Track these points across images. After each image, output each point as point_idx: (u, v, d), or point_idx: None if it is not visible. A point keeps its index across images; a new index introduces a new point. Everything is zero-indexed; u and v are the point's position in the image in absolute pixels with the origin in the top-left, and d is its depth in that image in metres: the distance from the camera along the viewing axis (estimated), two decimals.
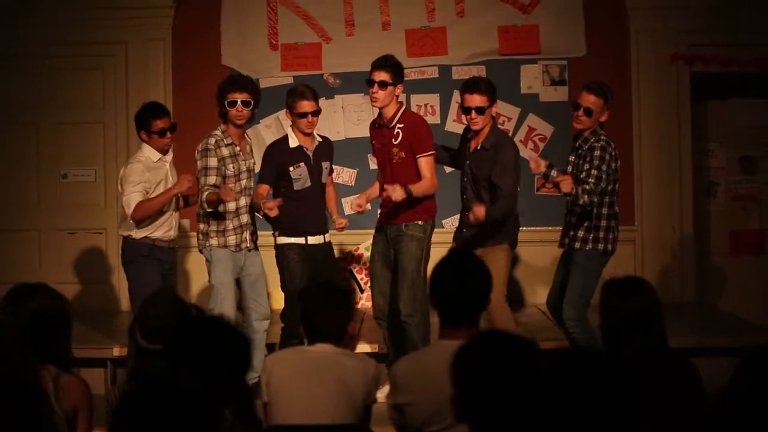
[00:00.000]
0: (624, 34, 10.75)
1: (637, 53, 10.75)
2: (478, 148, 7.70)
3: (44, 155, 10.97)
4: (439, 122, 10.47)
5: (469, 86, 7.68)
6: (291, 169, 7.77)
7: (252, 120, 8.15)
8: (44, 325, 4.50)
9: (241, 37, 10.77)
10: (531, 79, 10.75)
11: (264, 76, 10.56)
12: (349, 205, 10.09)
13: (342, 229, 8.05)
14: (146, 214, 7.73)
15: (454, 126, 10.36)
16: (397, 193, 7.33)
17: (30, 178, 10.97)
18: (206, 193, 7.65)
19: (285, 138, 7.95)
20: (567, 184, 7.26)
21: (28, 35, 10.81)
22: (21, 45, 10.83)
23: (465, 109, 7.67)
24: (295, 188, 7.77)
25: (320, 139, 7.98)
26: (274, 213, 7.48)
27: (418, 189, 7.48)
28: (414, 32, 10.70)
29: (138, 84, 10.81)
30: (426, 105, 10.62)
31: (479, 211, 7.38)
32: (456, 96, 10.34)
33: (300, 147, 7.82)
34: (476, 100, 7.59)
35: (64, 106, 10.91)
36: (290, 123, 7.90)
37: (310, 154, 7.85)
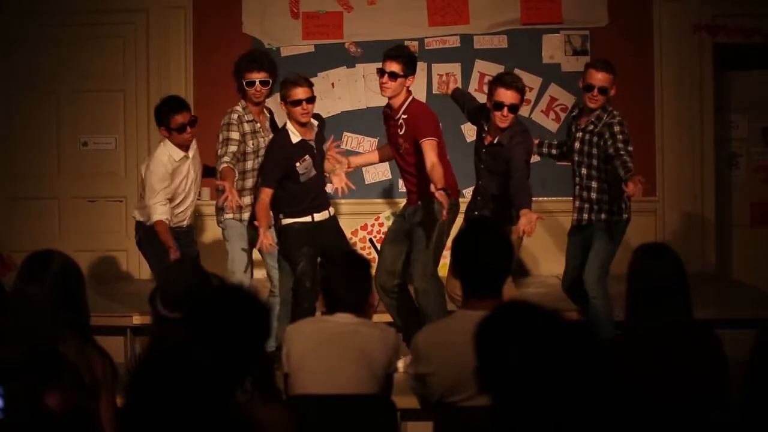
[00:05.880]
0: (646, 4, 10.65)
1: (659, 23, 10.66)
2: (494, 142, 7.52)
3: (64, 123, 10.95)
4: None
5: (507, 83, 7.37)
6: (297, 164, 7.60)
7: (270, 94, 8.06)
8: (67, 289, 4.52)
9: (262, 6, 10.71)
10: (553, 48, 10.67)
11: (285, 45, 10.53)
12: (369, 174, 10.12)
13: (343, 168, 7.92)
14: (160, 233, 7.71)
15: (476, 96, 10.31)
16: (442, 196, 6.89)
17: (50, 145, 10.96)
18: (223, 165, 7.58)
19: (285, 134, 7.67)
20: (633, 189, 7.07)
21: (49, 3, 10.79)
22: (41, 13, 10.80)
23: (497, 104, 7.36)
24: (301, 181, 7.63)
25: (316, 123, 7.81)
26: (267, 248, 7.58)
27: (438, 179, 7.08)
28: (436, 1, 10.58)
29: (159, 52, 10.78)
30: (447, 74, 10.56)
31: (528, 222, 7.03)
32: (478, 65, 10.33)
33: (302, 141, 7.64)
34: (511, 96, 7.34)
35: (84, 74, 10.88)
36: (287, 114, 7.66)
37: (313, 144, 7.70)
